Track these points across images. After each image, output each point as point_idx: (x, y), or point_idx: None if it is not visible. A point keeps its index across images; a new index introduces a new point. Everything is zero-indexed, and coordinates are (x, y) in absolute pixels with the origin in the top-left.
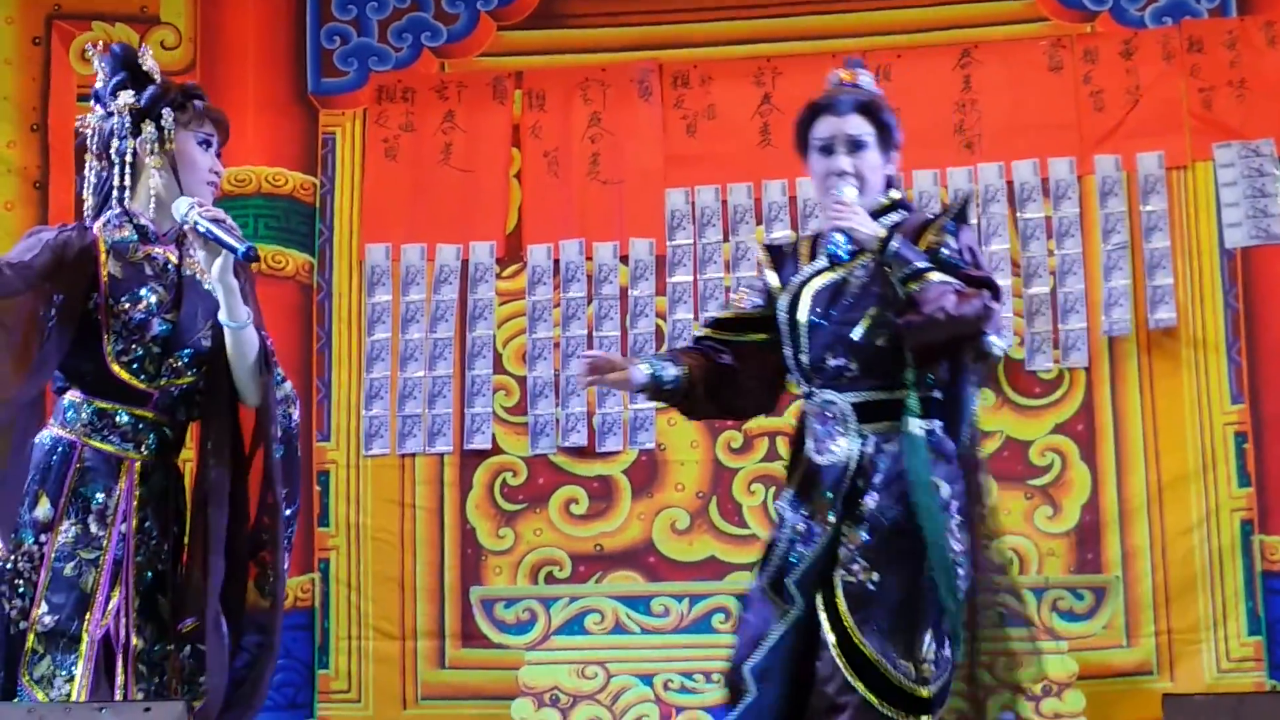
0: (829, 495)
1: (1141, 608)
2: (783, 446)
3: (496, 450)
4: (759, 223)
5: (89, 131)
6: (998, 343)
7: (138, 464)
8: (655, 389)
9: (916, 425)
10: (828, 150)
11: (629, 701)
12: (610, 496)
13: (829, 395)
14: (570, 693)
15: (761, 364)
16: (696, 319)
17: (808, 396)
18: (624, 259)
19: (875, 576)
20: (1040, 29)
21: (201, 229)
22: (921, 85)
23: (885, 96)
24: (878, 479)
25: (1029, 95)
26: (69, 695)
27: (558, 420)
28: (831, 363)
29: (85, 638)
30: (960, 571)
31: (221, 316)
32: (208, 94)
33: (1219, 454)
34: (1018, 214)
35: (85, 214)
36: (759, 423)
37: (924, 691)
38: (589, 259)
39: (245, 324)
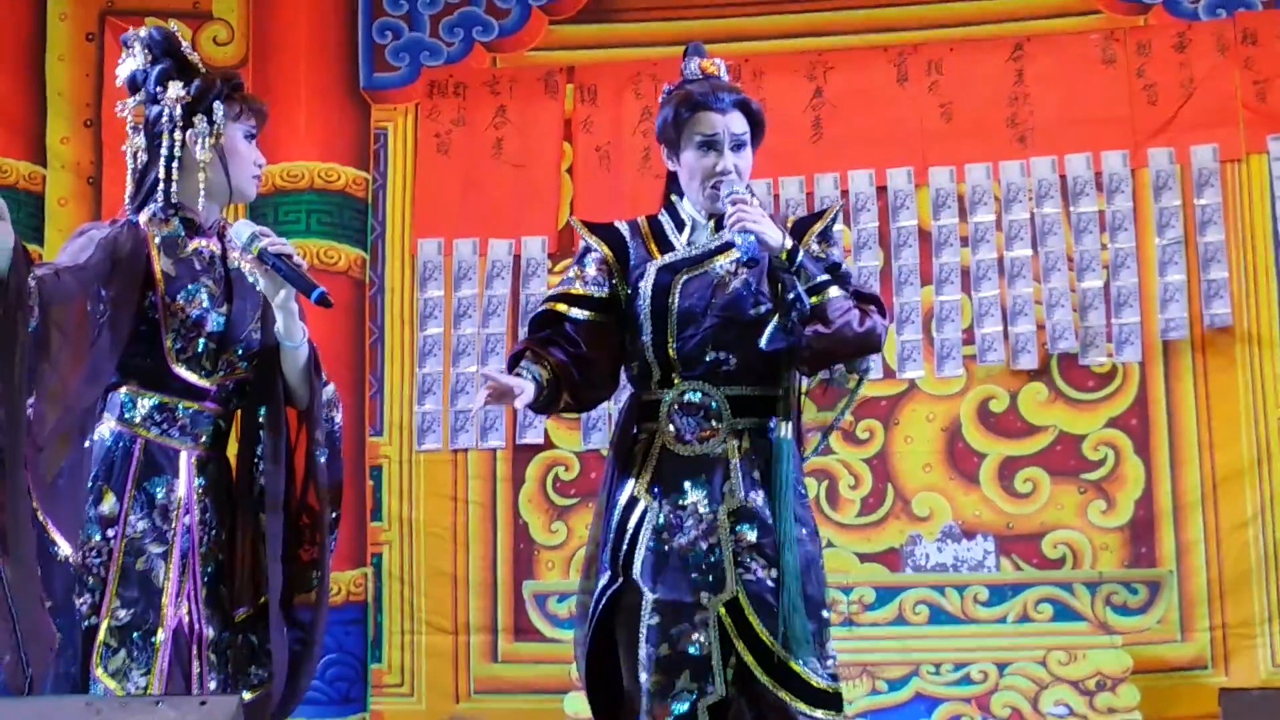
0: (703, 487)
1: (1196, 602)
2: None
3: (549, 445)
4: None
5: (130, 118)
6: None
7: (195, 457)
8: (536, 398)
9: (785, 428)
10: (710, 147)
11: None
12: None
13: (700, 387)
14: None
15: (607, 346)
16: None
17: (664, 386)
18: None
19: (774, 573)
20: (1093, 22)
21: (269, 261)
22: (974, 79)
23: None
24: (757, 475)
25: (1082, 88)
26: (146, 688)
27: (610, 415)
28: (710, 356)
29: (160, 631)
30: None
31: (278, 332)
32: (260, 90)
33: (1274, 448)
34: (1070, 208)
35: (126, 202)
36: (811, 417)
37: (834, 687)
38: None
39: (301, 344)
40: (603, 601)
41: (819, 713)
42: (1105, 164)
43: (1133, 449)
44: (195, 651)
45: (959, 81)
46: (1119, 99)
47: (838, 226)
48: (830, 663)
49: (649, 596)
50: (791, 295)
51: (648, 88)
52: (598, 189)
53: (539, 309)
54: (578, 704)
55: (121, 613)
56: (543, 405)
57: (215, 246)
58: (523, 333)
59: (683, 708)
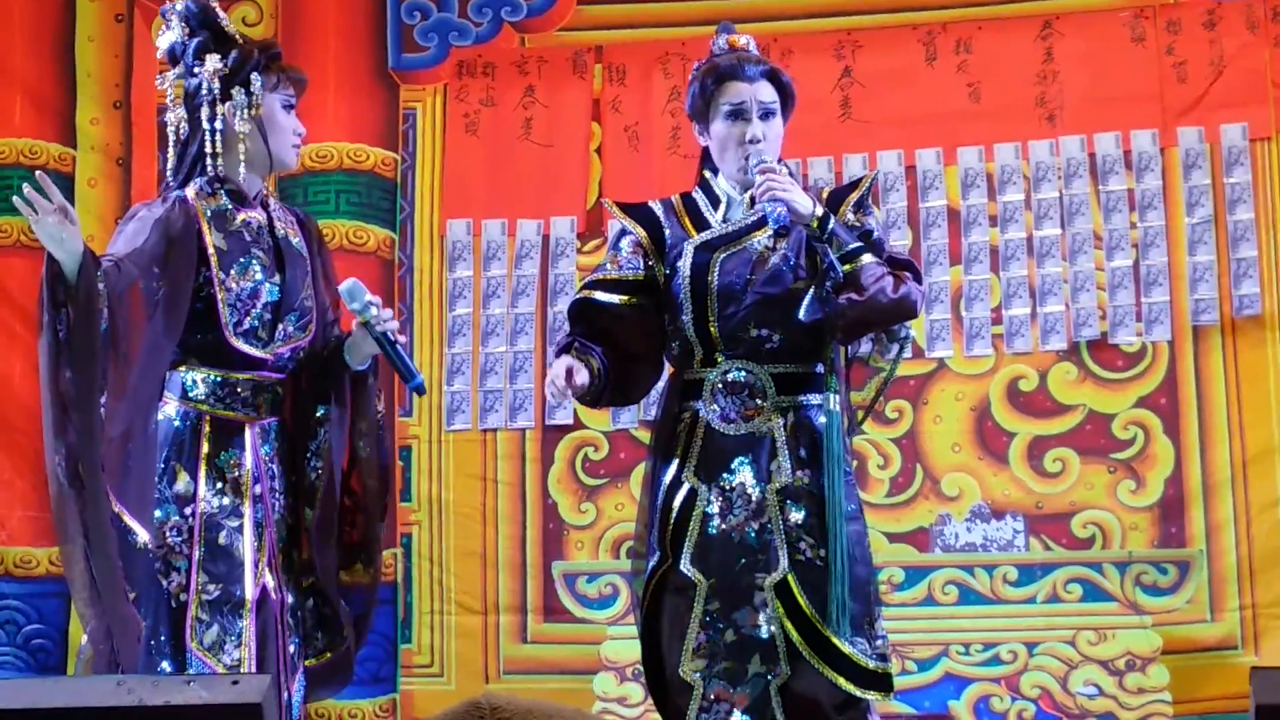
0: (750, 466)
1: (1225, 582)
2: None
3: (578, 425)
4: None
5: (170, 90)
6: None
7: (258, 426)
8: (590, 385)
9: (834, 400)
10: (739, 116)
11: None
12: None
13: (744, 365)
14: None
15: (646, 329)
16: None
17: (707, 365)
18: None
19: (823, 553)
20: (1122, 0)
21: (374, 335)
22: (1003, 58)
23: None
24: (803, 453)
25: (1111, 67)
26: (240, 660)
27: None
28: (753, 333)
29: (247, 602)
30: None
31: (348, 356)
32: None
33: None
34: (1100, 187)
35: (168, 176)
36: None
37: (884, 668)
38: None
39: (365, 366)
40: (652, 582)
41: (870, 694)
42: (1134, 143)
43: (1162, 428)
44: (279, 617)
45: (988, 60)
46: (1148, 77)
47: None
48: (880, 643)
49: (703, 582)
50: (825, 264)
51: (676, 67)
52: (627, 169)
53: (575, 297)
54: (607, 684)
55: (211, 588)
56: (593, 396)
57: (261, 216)
58: (552, 314)
59: (756, 691)
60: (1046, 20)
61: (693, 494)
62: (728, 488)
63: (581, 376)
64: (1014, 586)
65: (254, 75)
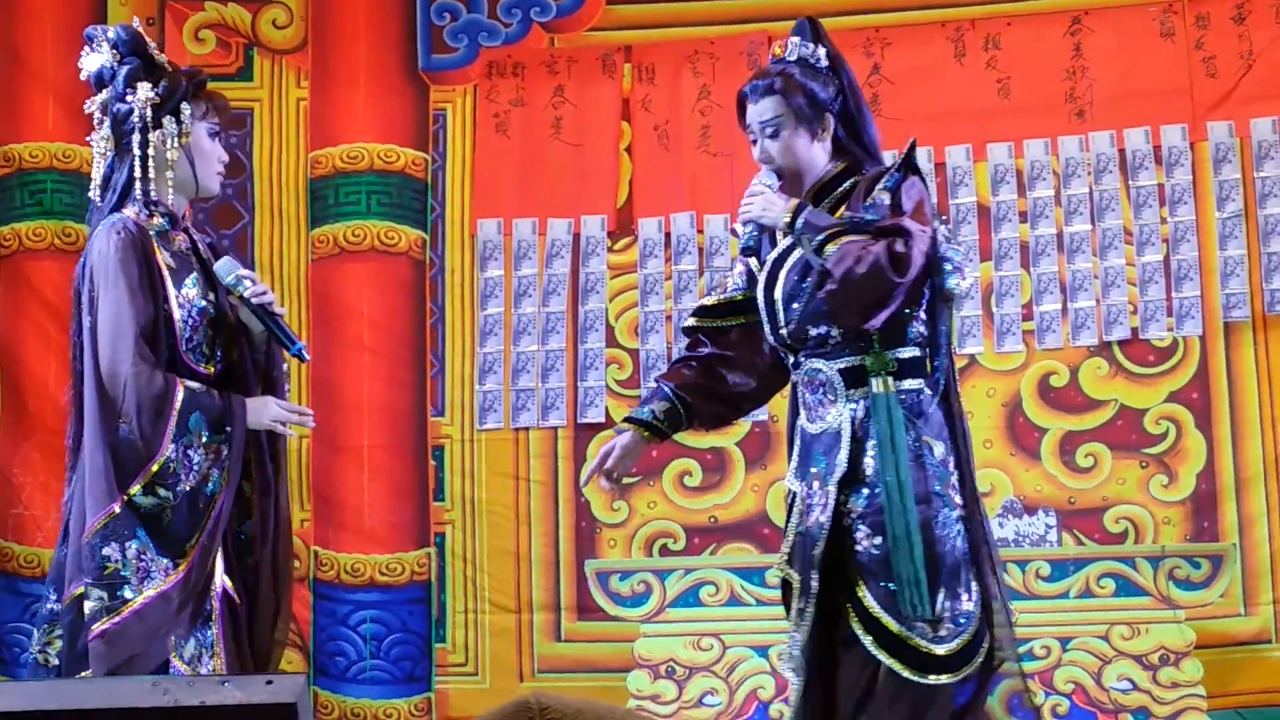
0: (824, 462)
1: (1259, 575)
2: None
3: (610, 423)
4: None
5: (96, 113)
6: (959, 282)
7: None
8: (656, 431)
9: (885, 384)
10: (755, 139)
11: (744, 673)
12: (724, 469)
13: (816, 364)
14: (686, 664)
15: (754, 346)
16: None
17: (795, 367)
18: (735, 232)
19: (879, 540)
20: None
21: (252, 309)
22: (1032, 53)
23: (807, 62)
24: (870, 443)
25: (1141, 62)
26: (214, 669)
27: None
28: (814, 332)
29: (215, 610)
30: (960, 529)
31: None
32: (319, 72)
33: None
34: (1130, 182)
35: (95, 198)
36: None
37: (939, 650)
38: (700, 232)
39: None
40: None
41: (930, 677)
42: (1164, 138)
43: (1194, 423)
44: (242, 622)
45: (1016, 57)
46: (1178, 72)
47: (910, 164)
48: (944, 624)
49: (796, 580)
50: (807, 260)
51: (705, 66)
52: (657, 168)
53: (685, 323)
54: (641, 681)
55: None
56: (682, 418)
57: (186, 239)
58: (583, 312)
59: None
60: (1075, 16)
61: (793, 496)
62: (810, 485)
63: (623, 441)
64: (1047, 582)
65: (184, 104)
